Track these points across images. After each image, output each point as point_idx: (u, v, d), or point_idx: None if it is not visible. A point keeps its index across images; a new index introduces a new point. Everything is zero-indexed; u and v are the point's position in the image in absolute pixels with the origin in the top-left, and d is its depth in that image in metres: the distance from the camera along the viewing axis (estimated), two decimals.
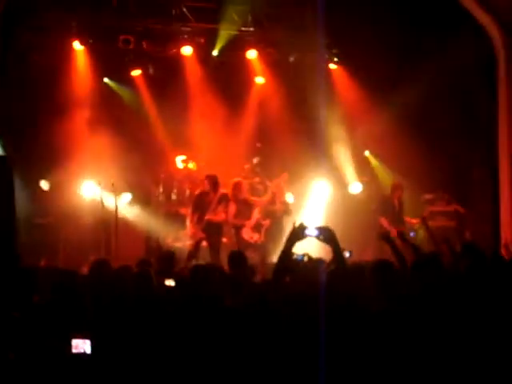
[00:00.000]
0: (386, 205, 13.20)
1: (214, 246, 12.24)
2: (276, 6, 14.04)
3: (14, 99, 12.67)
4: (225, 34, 14.30)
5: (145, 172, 14.22)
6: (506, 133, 12.56)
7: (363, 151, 15.13)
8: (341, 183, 14.81)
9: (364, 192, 14.72)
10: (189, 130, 14.45)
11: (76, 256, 12.68)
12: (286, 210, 12.97)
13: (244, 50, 14.72)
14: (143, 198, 14.08)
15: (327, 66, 14.91)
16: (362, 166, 14.96)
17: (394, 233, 12.06)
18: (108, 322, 4.59)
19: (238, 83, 15.11)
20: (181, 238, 13.34)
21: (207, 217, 12.26)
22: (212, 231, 12.31)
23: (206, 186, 12.40)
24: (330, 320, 4.13)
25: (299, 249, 5.36)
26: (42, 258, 11.75)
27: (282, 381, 4.08)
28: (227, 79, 14.86)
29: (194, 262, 10.75)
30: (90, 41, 13.98)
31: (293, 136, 14.70)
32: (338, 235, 4.91)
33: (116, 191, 13.04)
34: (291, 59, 14.90)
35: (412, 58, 13.77)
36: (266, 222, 12.85)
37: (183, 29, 14.31)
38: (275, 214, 12.91)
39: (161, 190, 14.28)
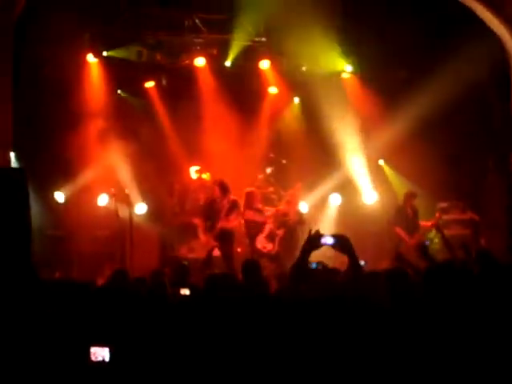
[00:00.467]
0: (399, 214, 13.15)
1: (228, 254, 12.18)
2: (288, 15, 14.04)
3: (28, 112, 12.72)
4: (237, 44, 14.35)
5: (159, 183, 14.24)
6: None
7: (377, 160, 15.10)
8: (355, 193, 14.78)
9: (378, 201, 14.67)
10: (202, 140, 14.47)
11: (91, 268, 12.69)
12: (300, 220, 12.96)
13: (257, 60, 14.74)
14: (157, 209, 14.10)
15: (340, 75, 14.91)
16: (377, 176, 14.92)
17: (410, 243, 12.04)
18: (125, 332, 4.59)
19: (251, 93, 15.13)
20: (194, 249, 13.33)
21: (220, 224, 12.22)
22: (225, 239, 12.25)
23: (216, 192, 12.35)
24: (345, 329, 4.11)
25: (313, 257, 5.34)
26: (56, 270, 11.78)
27: None
28: (240, 90, 14.88)
29: (208, 272, 10.73)
30: (104, 53, 14.06)
31: (306, 145, 14.71)
32: (353, 245, 4.89)
33: (130, 202, 13.07)
34: (304, 69, 14.90)
35: (426, 66, 13.73)
36: (280, 232, 12.84)
37: (196, 40, 14.37)
38: (289, 223, 12.90)
39: (175, 200, 14.29)
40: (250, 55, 14.68)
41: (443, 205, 14.19)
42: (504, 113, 12.96)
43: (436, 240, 13.21)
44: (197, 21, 14.03)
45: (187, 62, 14.64)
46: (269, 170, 14.56)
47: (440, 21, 13.26)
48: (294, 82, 15.03)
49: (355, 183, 14.77)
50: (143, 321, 4.98)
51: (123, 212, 13.01)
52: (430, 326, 4.24)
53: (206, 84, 14.88)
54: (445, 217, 13.92)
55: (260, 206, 13.00)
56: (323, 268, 7.35)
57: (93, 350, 4.06)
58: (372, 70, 14.40)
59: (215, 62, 14.67)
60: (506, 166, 13.01)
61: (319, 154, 14.35)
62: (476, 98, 13.93)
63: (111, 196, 13.07)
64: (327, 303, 4.26)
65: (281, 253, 12.63)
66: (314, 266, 7.14)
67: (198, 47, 14.46)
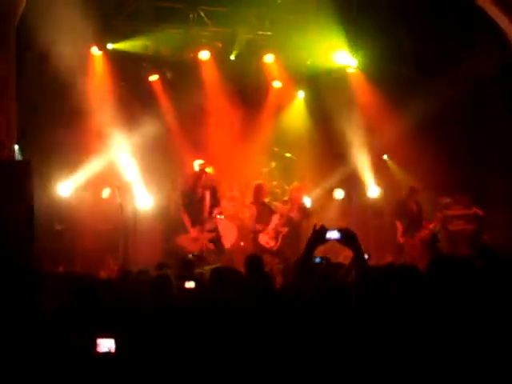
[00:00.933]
0: (402, 208, 13.16)
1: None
2: (293, 9, 14.01)
3: (32, 105, 12.71)
4: (242, 38, 14.33)
5: (163, 176, 14.23)
6: None
7: (381, 155, 15.08)
8: (359, 187, 14.77)
9: (382, 196, 14.66)
10: (206, 134, 14.46)
11: (94, 261, 12.71)
12: (305, 214, 12.94)
13: (261, 53, 14.72)
14: (161, 202, 14.08)
15: (345, 70, 14.88)
16: (381, 170, 14.90)
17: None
18: (129, 323, 4.60)
19: (255, 87, 15.11)
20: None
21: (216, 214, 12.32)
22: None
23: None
24: (350, 323, 4.11)
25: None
26: (60, 264, 11.78)
27: None
28: (244, 83, 14.86)
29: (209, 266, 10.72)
30: (108, 46, 14.03)
31: (310, 140, 14.69)
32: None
33: (134, 196, 13.07)
34: (308, 63, 14.87)
35: (430, 63, 13.71)
36: (284, 230, 12.82)
37: (200, 33, 14.35)
38: (293, 220, 12.89)
39: (178, 193, 14.27)
40: (254, 49, 14.68)
41: (447, 200, 14.18)
42: (509, 108, 12.95)
43: (439, 235, 13.20)
44: (201, 14, 13.99)
45: (191, 55, 14.63)
46: (273, 164, 14.55)
47: (446, 19, 13.21)
48: (299, 76, 15.01)
49: (360, 177, 14.76)
50: (148, 313, 4.98)
51: (127, 206, 13.01)
52: (433, 317, 4.24)
53: (210, 77, 14.85)
54: (448, 212, 13.91)
55: (268, 200, 13.01)
56: (327, 262, 7.36)
57: (99, 341, 4.08)
58: (377, 66, 14.36)
59: (220, 55, 14.65)
60: (511, 161, 13.01)
61: (323, 148, 14.34)
62: (482, 95, 13.90)
63: (115, 189, 13.07)
64: (332, 298, 4.26)
65: (284, 248, 12.62)
66: (318, 260, 7.14)
67: (203, 40, 14.44)
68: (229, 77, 14.72)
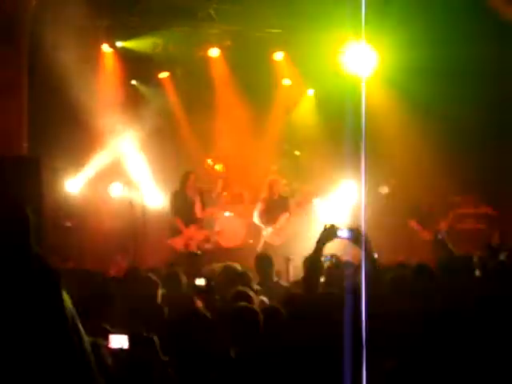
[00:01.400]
0: (413, 207, 13.13)
1: None
2: (303, 6, 13.96)
3: (42, 101, 12.73)
4: (252, 35, 14.31)
5: (172, 174, 14.23)
6: None
7: (391, 152, 15.01)
8: (369, 185, 14.70)
9: (392, 194, 14.59)
10: (216, 131, 14.47)
11: (104, 257, 12.73)
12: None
13: (271, 51, 14.70)
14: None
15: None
16: (390, 168, 14.84)
17: (424, 236, 12.05)
18: (141, 320, 4.61)
19: (265, 85, 15.09)
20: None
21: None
22: None
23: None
24: (363, 320, 4.10)
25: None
26: (69, 260, 11.80)
27: None
28: (254, 81, 14.84)
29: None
30: (118, 43, 14.05)
31: (320, 137, 14.66)
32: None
33: (144, 193, 13.09)
34: (318, 61, 14.83)
35: (446, 58, 13.59)
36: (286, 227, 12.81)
37: (210, 31, 14.35)
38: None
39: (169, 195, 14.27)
40: (264, 46, 14.64)
41: (457, 198, 14.11)
42: None
43: (449, 235, 13.13)
44: (211, 11, 13.98)
45: (201, 52, 14.63)
46: (283, 162, 14.53)
47: (461, 13, 13.09)
48: (309, 74, 14.97)
49: (369, 175, 14.67)
50: (157, 310, 5.00)
51: (136, 202, 13.03)
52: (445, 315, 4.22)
53: (220, 75, 14.86)
54: (459, 211, 13.84)
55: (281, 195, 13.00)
56: (336, 261, 7.35)
57: (111, 337, 4.08)
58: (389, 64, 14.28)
59: (229, 53, 14.64)
60: None
61: (333, 146, 14.28)
62: (497, 91, 13.79)
63: (125, 186, 13.10)
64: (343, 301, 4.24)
65: (285, 246, 12.59)
66: (327, 258, 7.14)
67: (212, 38, 14.44)
68: (238, 74, 14.72)
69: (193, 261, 11.29)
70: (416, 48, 13.00)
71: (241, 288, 5.71)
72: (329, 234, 4.92)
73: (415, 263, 6.04)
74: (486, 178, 14.21)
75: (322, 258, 5.59)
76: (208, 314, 4.59)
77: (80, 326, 1.58)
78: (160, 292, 6.00)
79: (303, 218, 13.01)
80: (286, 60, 14.84)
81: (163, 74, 14.78)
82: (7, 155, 9.38)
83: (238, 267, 7.34)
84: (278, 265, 9.20)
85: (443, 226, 13.11)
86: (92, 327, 3.89)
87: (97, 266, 11.72)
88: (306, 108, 15.55)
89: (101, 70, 14.13)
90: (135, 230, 13.12)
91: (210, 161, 14.40)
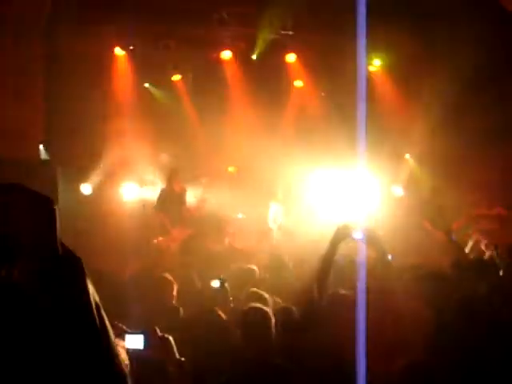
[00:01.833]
0: (426, 208, 13.10)
1: None
2: (316, 9, 13.98)
3: (56, 105, 12.80)
4: (264, 37, 14.34)
5: (187, 175, 14.27)
6: None
7: (404, 154, 15.00)
8: (381, 186, 14.68)
9: (405, 195, 14.58)
10: (228, 133, 14.48)
11: (117, 259, 12.74)
12: None
13: (283, 53, 14.72)
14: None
15: (367, 69, 14.81)
16: (403, 169, 14.83)
17: (437, 236, 11.96)
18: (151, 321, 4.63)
19: (278, 87, 15.11)
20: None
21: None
22: None
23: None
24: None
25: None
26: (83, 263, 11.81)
27: None
28: (266, 83, 14.85)
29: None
30: (131, 47, 14.11)
31: (332, 140, 14.64)
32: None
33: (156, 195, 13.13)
34: (330, 63, 14.84)
35: (450, 55, 13.57)
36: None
37: (223, 33, 14.38)
38: None
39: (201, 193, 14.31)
40: (276, 48, 14.66)
41: (471, 199, 14.06)
42: None
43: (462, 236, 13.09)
44: (224, 14, 14.02)
45: (214, 55, 14.66)
46: None
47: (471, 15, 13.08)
48: (321, 76, 14.97)
49: (382, 177, 14.67)
50: (172, 310, 5.02)
51: (150, 205, 13.07)
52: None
53: (233, 77, 14.89)
54: (473, 211, 13.79)
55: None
56: (350, 260, 7.34)
57: (127, 337, 4.10)
58: (398, 64, 14.29)
59: (242, 55, 14.68)
60: None
61: (345, 148, 14.26)
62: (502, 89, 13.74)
63: (138, 188, 13.15)
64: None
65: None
66: (340, 258, 7.13)
67: (225, 40, 14.47)
68: (251, 77, 14.74)
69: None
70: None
71: (254, 289, 5.73)
72: (342, 234, 4.93)
73: (429, 265, 6.03)
74: (496, 178, 14.18)
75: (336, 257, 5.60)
76: (223, 315, 4.62)
77: (103, 312, 1.62)
78: (175, 292, 6.03)
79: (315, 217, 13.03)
80: (298, 62, 14.85)
81: (176, 77, 14.82)
82: (23, 158, 9.45)
83: (253, 267, 7.37)
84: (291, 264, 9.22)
85: (456, 227, 13.09)
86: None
87: (111, 268, 11.74)
88: (318, 109, 15.54)
89: (114, 72, 14.18)
90: (148, 232, 13.17)
91: (231, 168, 14.41)
